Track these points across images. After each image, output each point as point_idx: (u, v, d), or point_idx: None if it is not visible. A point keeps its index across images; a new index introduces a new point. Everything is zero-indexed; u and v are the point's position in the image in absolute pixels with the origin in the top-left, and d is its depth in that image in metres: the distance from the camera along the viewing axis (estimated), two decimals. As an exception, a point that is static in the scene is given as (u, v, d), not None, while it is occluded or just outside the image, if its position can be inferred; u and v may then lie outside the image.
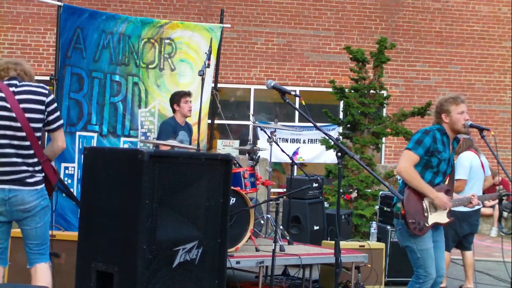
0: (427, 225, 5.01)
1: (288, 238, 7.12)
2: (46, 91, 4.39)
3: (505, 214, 12.87)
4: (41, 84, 4.45)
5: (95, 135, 7.29)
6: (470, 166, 7.15)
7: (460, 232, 7.17)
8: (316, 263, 6.89)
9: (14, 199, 4.28)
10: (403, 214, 4.96)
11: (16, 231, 6.14)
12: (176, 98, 7.32)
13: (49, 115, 4.34)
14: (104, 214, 3.38)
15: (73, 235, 5.45)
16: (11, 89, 4.33)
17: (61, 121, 4.43)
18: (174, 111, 7.35)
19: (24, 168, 4.28)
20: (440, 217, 5.10)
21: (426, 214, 5.02)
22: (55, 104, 4.41)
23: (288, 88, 4.25)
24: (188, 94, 7.32)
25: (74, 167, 7.19)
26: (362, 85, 9.89)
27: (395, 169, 10.03)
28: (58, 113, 4.39)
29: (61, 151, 4.41)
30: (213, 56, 7.94)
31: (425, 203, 5.02)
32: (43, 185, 4.34)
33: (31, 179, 4.29)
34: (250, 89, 14.36)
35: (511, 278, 5.97)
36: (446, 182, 5.25)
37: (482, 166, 7.34)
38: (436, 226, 5.13)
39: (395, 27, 14.76)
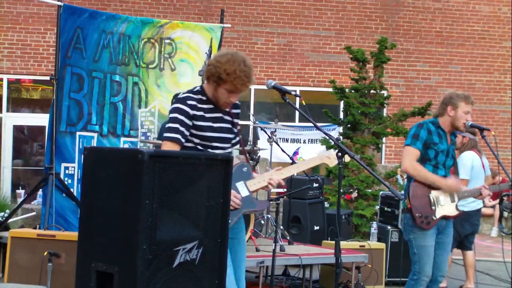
0: (435, 218, 5.02)
1: (288, 238, 7.12)
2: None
3: (505, 214, 12.87)
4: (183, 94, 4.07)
5: (95, 135, 7.30)
6: (472, 166, 7.16)
7: (462, 232, 7.17)
8: (316, 263, 6.89)
9: None
10: (410, 208, 4.98)
11: (15, 231, 6.16)
12: None
13: None
14: (104, 214, 3.37)
15: (73, 235, 5.46)
16: None
17: (165, 134, 3.94)
18: None
19: None
20: (448, 209, 5.09)
21: (433, 207, 5.02)
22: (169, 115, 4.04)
23: (289, 88, 4.24)
24: None
25: (74, 167, 7.19)
26: (362, 85, 9.89)
27: (397, 169, 10.04)
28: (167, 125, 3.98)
29: None
30: (213, 56, 7.94)
31: (432, 196, 5.03)
32: None
33: None
34: (250, 89, 14.34)
35: (511, 278, 5.97)
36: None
37: (483, 166, 7.35)
38: (444, 227, 5.12)
39: (395, 27, 14.76)
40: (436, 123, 5.14)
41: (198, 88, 4.03)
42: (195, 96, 3.95)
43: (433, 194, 5.04)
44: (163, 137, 3.93)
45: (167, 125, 3.92)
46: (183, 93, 4.01)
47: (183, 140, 3.89)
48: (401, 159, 5.14)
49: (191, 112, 3.90)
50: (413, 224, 5.02)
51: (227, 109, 4.05)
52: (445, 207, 5.07)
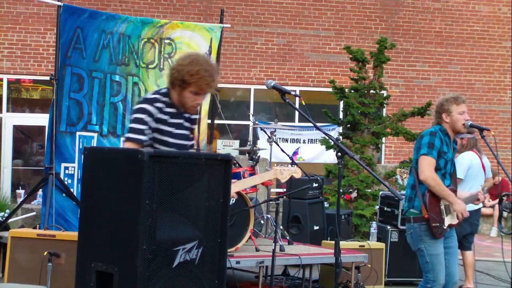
0: (444, 227, 5.03)
1: (288, 238, 7.13)
2: None
3: (505, 214, 12.87)
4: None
5: (95, 135, 7.30)
6: (469, 166, 7.15)
7: (460, 232, 7.16)
8: (316, 263, 6.89)
9: None
10: (427, 218, 4.95)
11: (15, 231, 6.16)
12: None
13: None
14: (104, 214, 3.37)
15: (73, 235, 5.46)
16: None
17: (129, 134, 3.87)
18: None
19: None
20: (452, 219, 5.12)
21: (443, 216, 5.04)
22: (131, 116, 3.94)
23: (288, 88, 4.25)
24: None
25: (74, 167, 7.19)
26: (362, 85, 9.89)
27: (396, 169, 10.03)
28: (128, 125, 3.94)
29: None
30: (213, 56, 7.95)
31: (442, 206, 5.04)
32: None
33: None
34: (250, 89, 14.36)
35: (511, 278, 5.97)
36: None
37: (483, 167, 7.33)
38: (449, 232, 5.14)
39: (395, 27, 14.76)
40: (443, 130, 5.13)
41: (165, 90, 3.94)
42: (164, 99, 3.89)
43: (443, 203, 5.06)
44: (125, 136, 3.86)
45: (131, 125, 3.85)
46: (152, 94, 3.94)
47: (145, 143, 3.84)
48: (419, 169, 5.02)
49: (157, 115, 3.84)
50: (424, 233, 5.00)
51: (188, 115, 3.99)
52: (450, 217, 5.09)
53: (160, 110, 3.85)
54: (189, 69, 3.77)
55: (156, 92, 3.94)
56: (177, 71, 3.81)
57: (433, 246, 5.01)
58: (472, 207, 7.11)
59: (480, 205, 7.30)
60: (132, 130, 3.82)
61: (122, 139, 7.51)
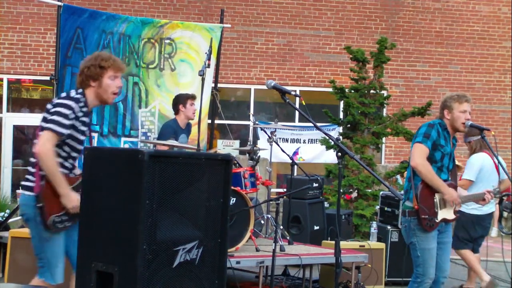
0: (437, 221, 5.03)
1: (288, 238, 7.12)
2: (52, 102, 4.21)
3: (505, 214, 12.85)
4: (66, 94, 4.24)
5: (96, 135, 7.30)
6: (480, 168, 7.05)
7: (474, 234, 7.16)
8: (316, 263, 6.90)
9: None
10: (417, 209, 4.96)
11: (15, 231, 6.16)
12: (182, 100, 7.16)
13: None
14: (104, 214, 3.37)
15: (73, 235, 5.46)
16: None
17: (53, 126, 3.98)
18: (177, 112, 7.18)
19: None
20: (448, 213, 5.11)
21: (436, 210, 5.03)
22: (53, 109, 4.09)
23: (288, 88, 4.25)
24: (193, 97, 7.17)
25: (74, 167, 7.19)
26: (362, 85, 9.89)
27: (399, 171, 10.02)
28: (49, 117, 4.04)
29: (37, 156, 3.99)
30: (213, 56, 7.95)
31: (436, 199, 5.04)
32: (30, 192, 4.15)
33: (23, 182, 4.28)
34: (250, 89, 14.35)
35: (511, 278, 5.97)
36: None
37: (496, 167, 7.23)
38: (444, 227, 5.14)
39: (395, 27, 14.76)
40: (443, 125, 5.15)
41: (80, 91, 4.15)
42: (83, 99, 4.12)
43: (438, 196, 5.05)
44: (47, 127, 3.98)
45: (54, 117, 3.99)
46: (77, 93, 4.12)
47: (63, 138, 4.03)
48: (410, 156, 5.06)
49: (78, 113, 4.07)
50: (417, 227, 5.01)
51: (88, 119, 4.18)
52: (445, 211, 5.08)
53: (80, 109, 4.08)
54: (101, 58, 4.09)
55: (76, 93, 4.14)
56: (89, 68, 4.08)
57: (425, 240, 5.02)
58: (485, 210, 7.07)
59: (493, 209, 7.27)
60: (56, 123, 3.98)
61: (122, 139, 7.51)
